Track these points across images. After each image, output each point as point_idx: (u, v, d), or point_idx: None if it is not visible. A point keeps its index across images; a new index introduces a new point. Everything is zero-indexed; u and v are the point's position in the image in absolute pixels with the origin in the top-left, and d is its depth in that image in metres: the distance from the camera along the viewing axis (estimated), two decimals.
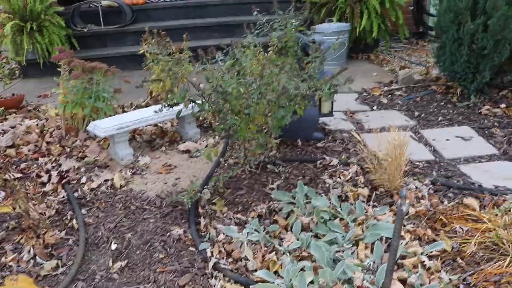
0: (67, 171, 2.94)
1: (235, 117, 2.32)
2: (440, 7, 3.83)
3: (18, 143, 3.37)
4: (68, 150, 3.24)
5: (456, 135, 3.36)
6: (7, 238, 2.31)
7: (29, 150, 3.26)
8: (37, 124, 3.63)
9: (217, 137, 3.27)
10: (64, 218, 2.47)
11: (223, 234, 2.30)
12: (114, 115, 3.40)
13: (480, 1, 3.52)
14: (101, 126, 2.87)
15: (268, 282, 1.94)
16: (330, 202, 2.46)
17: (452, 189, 2.66)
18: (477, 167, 2.96)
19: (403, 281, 1.92)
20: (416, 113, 3.74)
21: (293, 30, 2.59)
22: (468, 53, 3.64)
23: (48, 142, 3.34)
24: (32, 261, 2.16)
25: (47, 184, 2.82)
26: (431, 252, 2.10)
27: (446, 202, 2.54)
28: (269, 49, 2.65)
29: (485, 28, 3.51)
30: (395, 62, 5.16)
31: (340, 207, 2.44)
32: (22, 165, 3.06)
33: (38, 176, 2.90)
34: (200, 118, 3.55)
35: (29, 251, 2.20)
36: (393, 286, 1.84)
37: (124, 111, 3.79)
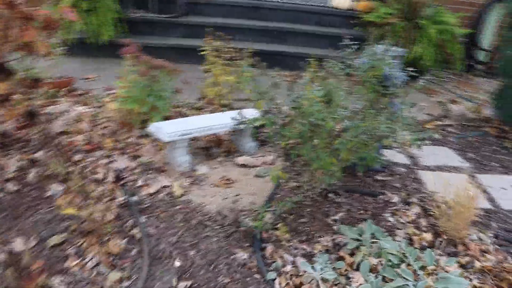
0: (123, 170, 2.88)
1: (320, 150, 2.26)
2: (509, 52, 3.75)
3: (69, 130, 3.30)
4: (120, 146, 3.17)
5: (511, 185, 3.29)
6: (69, 241, 2.24)
7: (83, 140, 3.18)
8: (88, 113, 3.55)
9: (274, 155, 3.21)
10: (124, 226, 2.40)
11: (291, 265, 2.24)
12: (169, 115, 3.34)
13: None
14: (166, 130, 2.80)
15: None
16: (399, 246, 2.39)
17: None
18: None
19: None
20: (470, 155, 3.66)
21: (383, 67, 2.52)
22: None
23: (100, 135, 3.27)
24: (95, 269, 2.10)
25: (103, 181, 2.76)
26: None
27: (510, 259, 2.48)
28: (352, 79, 2.58)
29: None
30: (441, 94, 5.08)
31: (407, 252, 2.37)
32: (76, 157, 2.99)
33: (93, 172, 2.84)
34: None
35: (91, 258, 2.14)
36: None
37: (179, 112, 3.68)
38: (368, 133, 2.17)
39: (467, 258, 2.44)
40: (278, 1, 5.86)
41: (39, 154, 2.89)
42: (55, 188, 2.60)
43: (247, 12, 5.66)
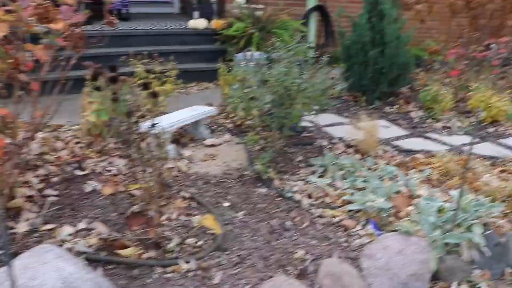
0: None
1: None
2: (348, 41, 5.39)
3: (46, 150, 3.60)
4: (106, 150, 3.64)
5: (381, 125, 4.81)
6: (145, 208, 2.81)
7: (67, 155, 3.55)
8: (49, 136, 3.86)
9: (228, 135, 4.13)
10: (171, 191, 3.04)
11: (297, 186, 3.24)
12: None
13: (377, 36, 5.16)
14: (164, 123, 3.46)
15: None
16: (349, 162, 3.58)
17: (405, 152, 4.05)
18: (404, 141, 4.42)
19: None
20: (345, 114, 5.12)
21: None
22: (372, 72, 5.22)
23: (79, 148, 3.67)
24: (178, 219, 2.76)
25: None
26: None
27: (406, 157, 3.89)
28: None
29: (381, 54, 5.15)
30: None
31: (355, 164, 3.58)
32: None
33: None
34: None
35: (172, 213, 2.77)
36: None
37: None
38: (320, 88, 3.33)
39: (385, 160, 3.78)
40: (145, 29, 6.61)
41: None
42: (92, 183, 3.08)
43: (119, 40, 6.24)
